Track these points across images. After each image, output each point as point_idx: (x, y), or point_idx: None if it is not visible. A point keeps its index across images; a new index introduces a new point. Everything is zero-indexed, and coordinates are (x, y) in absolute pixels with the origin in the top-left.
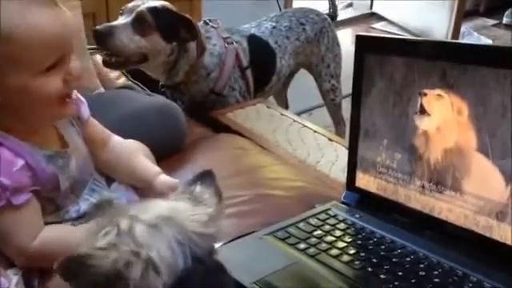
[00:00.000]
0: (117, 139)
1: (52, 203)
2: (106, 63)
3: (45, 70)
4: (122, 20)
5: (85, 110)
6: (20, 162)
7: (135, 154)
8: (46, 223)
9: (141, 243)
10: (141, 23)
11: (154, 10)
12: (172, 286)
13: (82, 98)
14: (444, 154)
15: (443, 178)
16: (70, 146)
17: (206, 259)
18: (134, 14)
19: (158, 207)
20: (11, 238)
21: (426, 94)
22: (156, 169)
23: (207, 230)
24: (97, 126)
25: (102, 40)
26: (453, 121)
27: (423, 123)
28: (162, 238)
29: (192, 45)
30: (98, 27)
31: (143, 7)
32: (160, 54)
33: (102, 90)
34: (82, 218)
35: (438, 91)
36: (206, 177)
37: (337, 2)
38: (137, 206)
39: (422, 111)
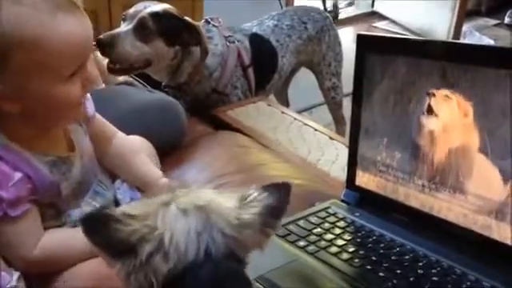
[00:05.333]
0: (121, 136)
1: (52, 208)
2: (110, 70)
3: (67, 77)
4: (124, 27)
5: (90, 107)
6: (17, 176)
7: (138, 154)
8: (47, 228)
9: (163, 223)
10: (143, 29)
11: (155, 16)
12: (177, 275)
13: (87, 95)
14: (448, 154)
15: (444, 178)
16: (76, 149)
17: (219, 259)
18: (135, 21)
19: (202, 194)
20: (12, 249)
21: (434, 95)
22: (158, 172)
23: (232, 231)
24: (102, 122)
25: (105, 50)
26: (459, 122)
27: (430, 123)
28: (183, 224)
29: (195, 47)
30: (101, 37)
31: (145, 13)
32: (163, 58)
33: (103, 85)
34: None
35: (445, 92)
36: (279, 188)
37: (338, 1)
38: (189, 188)
39: (430, 111)
